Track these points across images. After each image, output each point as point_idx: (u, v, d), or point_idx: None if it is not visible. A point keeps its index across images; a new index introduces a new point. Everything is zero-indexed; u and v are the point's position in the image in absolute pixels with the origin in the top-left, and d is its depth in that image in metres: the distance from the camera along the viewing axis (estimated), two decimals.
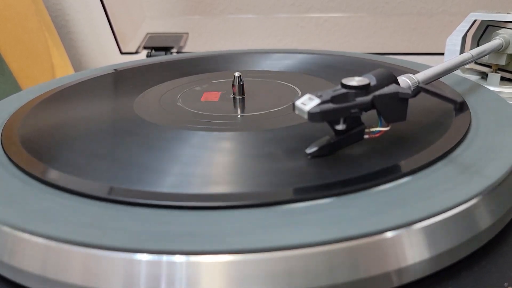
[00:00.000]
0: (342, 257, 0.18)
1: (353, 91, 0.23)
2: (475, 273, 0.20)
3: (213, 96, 0.36)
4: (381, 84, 0.24)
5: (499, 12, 0.41)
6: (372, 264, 0.18)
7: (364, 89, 0.23)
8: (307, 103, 0.22)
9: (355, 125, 0.24)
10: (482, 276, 0.20)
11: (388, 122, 0.24)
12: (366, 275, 0.18)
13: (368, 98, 0.23)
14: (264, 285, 0.17)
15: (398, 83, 0.26)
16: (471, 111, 0.30)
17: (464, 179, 0.22)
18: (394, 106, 0.24)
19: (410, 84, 0.27)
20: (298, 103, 0.23)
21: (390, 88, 0.24)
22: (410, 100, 0.25)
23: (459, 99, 0.22)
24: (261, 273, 0.17)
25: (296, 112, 0.23)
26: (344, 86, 0.23)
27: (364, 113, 0.24)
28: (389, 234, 0.19)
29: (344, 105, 0.23)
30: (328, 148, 0.24)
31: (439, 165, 0.23)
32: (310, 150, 0.24)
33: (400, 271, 0.19)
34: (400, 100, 0.24)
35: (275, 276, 0.17)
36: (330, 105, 0.22)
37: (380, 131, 0.24)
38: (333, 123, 0.24)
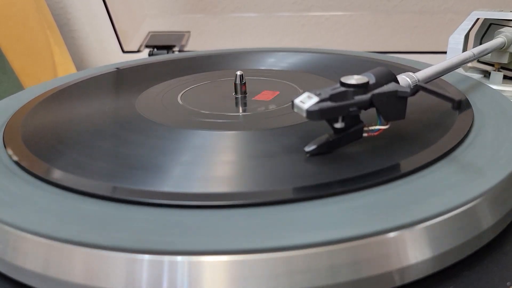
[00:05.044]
0: (343, 257, 0.18)
1: (352, 89, 0.23)
2: (477, 272, 0.20)
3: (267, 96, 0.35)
4: (380, 83, 0.24)
5: (502, 11, 0.41)
6: (374, 264, 0.18)
7: (363, 88, 0.23)
8: (306, 101, 0.22)
9: (354, 123, 0.24)
10: (484, 276, 0.20)
11: (387, 120, 0.24)
12: (368, 275, 0.18)
13: (367, 96, 0.23)
14: (265, 285, 0.17)
15: (397, 82, 0.26)
16: (473, 110, 0.30)
17: (466, 178, 0.22)
18: (393, 104, 0.24)
19: (410, 82, 0.27)
20: (297, 101, 0.23)
21: (389, 87, 0.24)
22: (413, 99, 0.25)
23: (457, 98, 0.22)
24: (262, 273, 0.17)
25: (295, 110, 0.23)
26: (343, 84, 0.24)
27: (363, 111, 0.24)
28: (391, 234, 0.19)
29: (342, 104, 0.23)
30: (327, 146, 0.24)
31: (441, 164, 0.23)
32: (309, 148, 0.24)
33: (402, 271, 0.19)
34: (399, 99, 0.24)
35: (277, 276, 0.17)
36: (329, 103, 0.22)
37: (379, 129, 0.24)
38: (331, 121, 0.24)
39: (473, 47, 0.37)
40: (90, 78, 0.42)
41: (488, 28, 0.43)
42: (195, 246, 0.18)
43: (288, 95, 0.35)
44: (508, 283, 0.20)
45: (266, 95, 0.35)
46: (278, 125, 0.29)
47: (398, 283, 0.19)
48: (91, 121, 0.32)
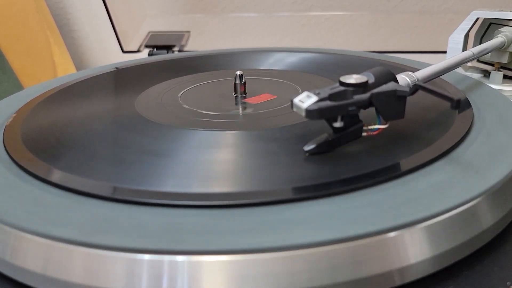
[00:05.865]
0: (344, 256, 0.18)
1: (351, 88, 0.23)
2: (477, 272, 0.20)
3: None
4: (379, 82, 0.24)
5: (502, 10, 0.41)
6: (374, 263, 0.18)
7: (362, 87, 0.23)
8: (305, 100, 0.22)
9: (353, 122, 0.24)
10: (484, 275, 0.20)
11: (386, 120, 0.24)
12: (368, 274, 0.18)
13: (365, 96, 0.23)
14: (266, 285, 0.17)
15: (396, 81, 0.26)
16: (473, 109, 0.30)
17: (466, 178, 0.22)
18: (392, 104, 0.24)
19: (409, 82, 0.27)
20: (296, 100, 0.23)
21: (388, 86, 0.24)
22: (413, 98, 0.25)
23: (456, 97, 0.22)
24: (262, 273, 0.17)
25: (294, 109, 0.23)
26: (342, 83, 0.24)
27: (362, 110, 0.24)
28: (391, 233, 0.19)
29: (341, 103, 0.23)
30: (326, 146, 0.24)
31: (440, 163, 0.23)
32: (308, 147, 0.24)
33: (402, 270, 0.19)
34: (398, 98, 0.24)
35: (277, 276, 0.17)
36: (328, 103, 0.22)
37: (378, 128, 0.24)
38: (331, 120, 0.24)
39: (473, 47, 0.37)
40: (90, 78, 0.42)
41: (488, 27, 0.43)
42: (195, 246, 0.18)
43: (288, 95, 0.35)
44: (508, 283, 0.20)
45: (261, 98, 0.35)
46: (277, 124, 0.29)
47: (398, 283, 0.19)
48: (91, 121, 0.32)
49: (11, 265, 0.20)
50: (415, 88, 0.24)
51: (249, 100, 0.35)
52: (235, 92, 0.36)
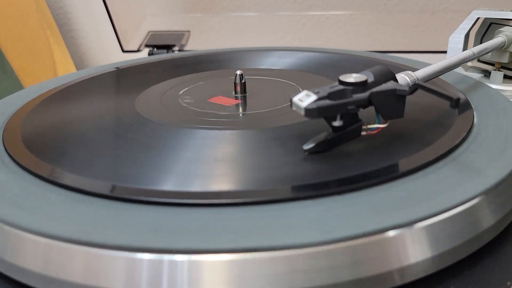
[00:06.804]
0: (344, 256, 0.18)
1: (350, 87, 0.23)
2: (478, 272, 0.20)
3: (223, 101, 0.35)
4: (378, 81, 0.24)
5: (502, 10, 0.41)
6: (374, 263, 0.18)
7: (361, 86, 0.23)
8: (304, 99, 0.22)
9: (353, 121, 0.24)
10: (484, 275, 0.20)
11: (385, 119, 0.24)
12: (368, 274, 0.18)
13: (365, 95, 0.23)
14: (266, 284, 0.17)
15: (396, 80, 0.25)
16: (473, 110, 0.29)
17: (467, 178, 0.22)
18: (392, 103, 0.24)
19: (409, 81, 0.27)
20: (295, 99, 0.23)
21: (387, 85, 0.24)
22: (413, 98, 0.25)
23: (455, 96, 0.22)
24: (263, 272, 0.17)
25: (293, 108, 0.23)
26: (341, 82, 0.24)
27: (362, 109, 0.24)
28: (391, 233, 0.18)
29: (340, 102, 0.23)
30: (325, 145, 0.24)
31: (441, 163, 0.23)
32: (307, 146, 0.24)
33: (402, 270, 0.19)
34: (398, 97, 0.24)
35: (277, 275, 0.17)
36: (327, 102, 0.22)
37: (378, 128, 0.24)
38: (330, 119, 0.24)
39: (473, 47, 0.37)
40: (90, 77, 0.42)
41: (488, 27, 0.43)
42: (195, 245, 0.18)
43: (288, 94, 0.35)
44: (508, 283, 0.20)
45: (222, 100, 0.35)
46: (277, 124, 0.29)
47: (398, 283, 0.19)
48: (91, 120, 0.32)
49: (11, 265, 0.20)
50: (415, 87, 0.24)
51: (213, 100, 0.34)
52: (235, 92, 0.36)
